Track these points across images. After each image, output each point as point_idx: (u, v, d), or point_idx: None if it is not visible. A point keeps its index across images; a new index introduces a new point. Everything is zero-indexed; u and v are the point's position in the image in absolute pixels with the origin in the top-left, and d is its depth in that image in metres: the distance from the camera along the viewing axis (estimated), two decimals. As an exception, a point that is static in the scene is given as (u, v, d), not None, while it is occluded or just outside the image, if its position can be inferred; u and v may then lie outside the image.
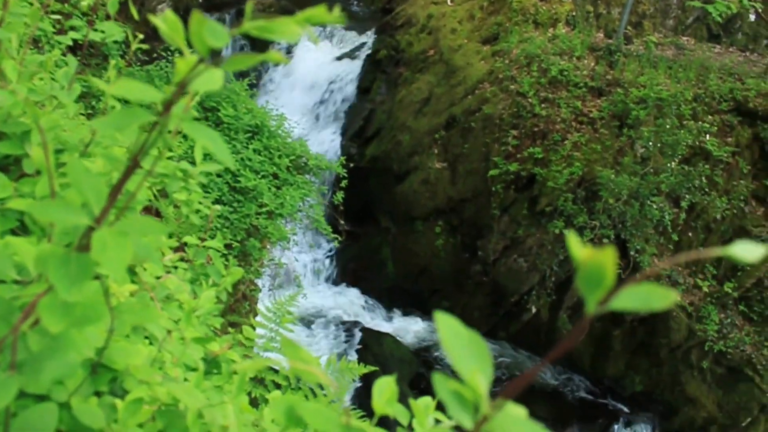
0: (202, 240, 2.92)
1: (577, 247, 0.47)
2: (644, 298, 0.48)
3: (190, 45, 0.84)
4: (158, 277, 2.51)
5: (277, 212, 7.38)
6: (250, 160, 7.57)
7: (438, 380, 0.60)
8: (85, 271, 0.87)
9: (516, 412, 0.58)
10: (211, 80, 0.80)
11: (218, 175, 7.32)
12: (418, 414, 1.04)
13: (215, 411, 1.54)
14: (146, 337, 1.92)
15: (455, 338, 0.59)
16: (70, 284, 0.86)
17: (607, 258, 0.46)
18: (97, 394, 1.42)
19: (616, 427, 10.00)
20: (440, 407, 1.70)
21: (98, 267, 0.91)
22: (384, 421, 1.52)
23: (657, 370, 10.31)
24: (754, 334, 10.11)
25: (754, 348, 10.06)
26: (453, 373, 0.62)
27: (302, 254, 10.62)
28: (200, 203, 2.90)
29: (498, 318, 10.56)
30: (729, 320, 10.10)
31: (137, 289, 1.72)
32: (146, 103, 0.86)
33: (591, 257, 0.46)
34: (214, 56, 0.76)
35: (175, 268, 2.72)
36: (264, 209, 7.30)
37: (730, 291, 10.19)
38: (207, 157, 2.37)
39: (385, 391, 0.97)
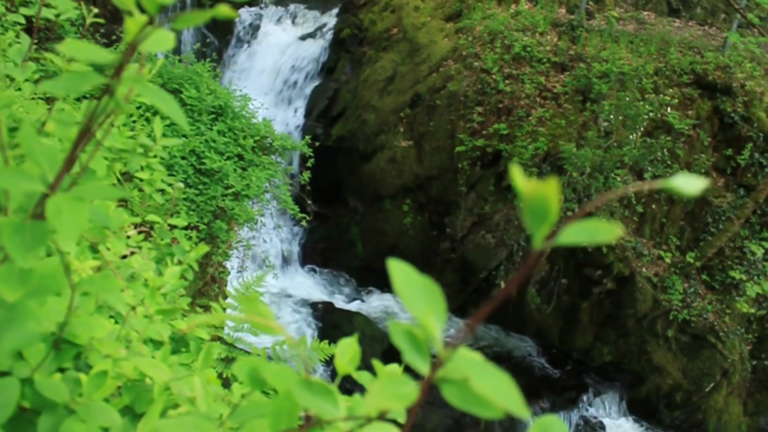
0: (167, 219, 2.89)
1: (520, 179, 0.48)
2: (590, 232, 0.49)
3: (142, 9, 0.83)
4: (123, 257, 2.49)
5: (243, 193, 7.33)
6: (214, 141, 7.50)
7: (393, 326, 0.61)
8: (40, 238, 0.86)
9: (470, 355, 0.59)
10: (162, 40, 0.80)
11: (183, 158, 7.24)
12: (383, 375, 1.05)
13: (182, 384, 1.53)
14: (111, 317, 1.91)
15: (408, 284, 0.60)
16: (25, 251, 0.85)
17: (550, 190, 0.47)
18: (62, 371, 1.41)
19: (585, 397, 10.17)
20: (408, 371, 1.72)
21: (54, 234, 0.90)
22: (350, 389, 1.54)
23: (624, 340, 10.51)
24: (716, 302, 10.35)
25: (716, 316, 10.30)
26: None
27: (271, 236, 10.57)
28: (164, 182, 2.88)
29: (467, 294, 10.65)
30: (692, 289, 10.32)
31: (100, 265, 1.71)
32: (99, 66, 0.85)
33: (534, 190, 0.47)
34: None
35: (140, 248, 2.69)
36: (230, 191, 7.25)
37: (692, 261, 10.40)
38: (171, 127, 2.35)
39: (347, 351, 0.98)
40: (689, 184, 0.48)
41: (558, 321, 10.61)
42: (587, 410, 10.10)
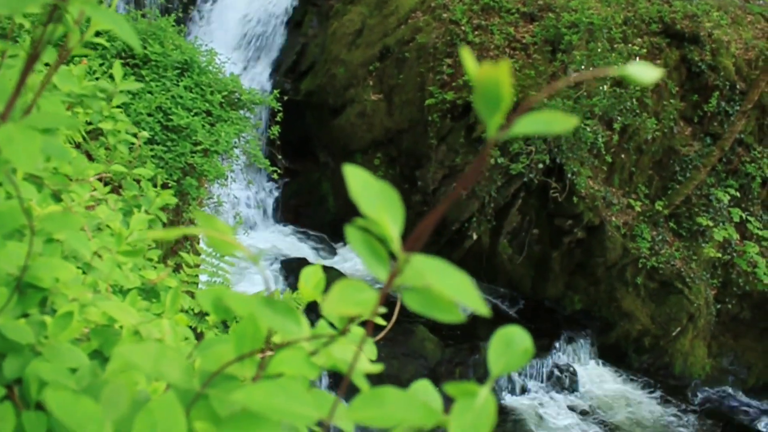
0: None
1: (471, 63, 0.47)
2: (546, 122, 0.48)
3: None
4: (88, 207, 2.45)
5: (212, 149, 7.24)
6: (181, 97, 7.38)
7: (350, 232, 0.61)
8: (-8, 166, 0.84)
9: (428, 258, 0.59)
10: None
11: (149, 114, 7.12)
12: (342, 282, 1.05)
13: (150, 327, 1.53)
14: (79, 268, 1.89)
15: (365, 189, 0.60)
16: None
17: (503, 74, 0.46)
18: (27, 316, 1.39)
19: (557, 344, 10.37)
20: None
21: (7, 164, 0.88)
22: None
23: (594, 288, 10.69)
24: (683, 249, 10.55)
25: (683, 262, 10.51)
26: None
27: (242, 192, 10.50)
28: (128, 133, 2.83)
29: (440, 247, 10.72)
30: (660, 237, 10.49)
31: (62, 209, 1.68)
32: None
33: (485, 73, 0.46)
34: None
35: (106, 200, 2.65)
36: (199, 147, 7.16)
37: (660, 209, 10.55)
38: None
39: (311, 277, 0.97)
40: (643, 72, 0.48)
41: (530, 271, 10.75)
42: (559, 357, 10.31)
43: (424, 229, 0.56)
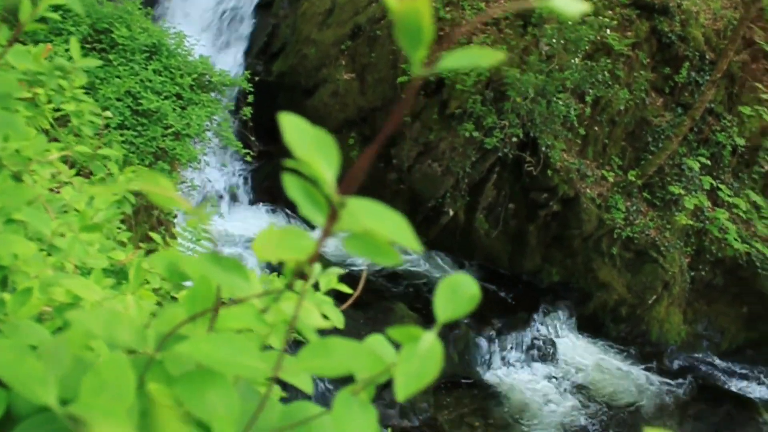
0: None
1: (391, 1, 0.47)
2: (473, 57, 0.48)
3: None
4: (51, 190, 2.42)
5: (183, 133, 7.17)
6: (150, 81, 7.29)
7: (287, 178, 0.61)
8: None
9: (363, 200, 0.59)
10: None
11: (118, 99, 7.03)
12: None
13: (115, 302, 1.52)
14: (43, 250, 1.86)
15: (299, 134, 0.59)
16: None
17: (422, 6, 0.46)
18: (-12, 296, 1.37)
19: (535, 317, 10.47)
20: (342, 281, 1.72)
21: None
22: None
23: (571, 260, 10.79)
24: (657, 219, 10.67)
25: (657, 231, 10.63)
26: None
27: (216, 175, 10.43)
28: (93, 113, 2.79)
29: (417, 224, 10.74)
30: (634, 207, 10.60)
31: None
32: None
33: (405, 7, 0.45)
34: None
35: (72, 183, 2.62)
36: (170, 131, 7.09)
37: (634, 179, 10.65)
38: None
39: (267, 236, 0.97)
40: (569, 4, 0.48)
41: (507, 245, 10.82)
42: (538, 329, 10.41)
43: (358, 171, 0.56)
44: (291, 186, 0.60)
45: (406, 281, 10.46)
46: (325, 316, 1.28)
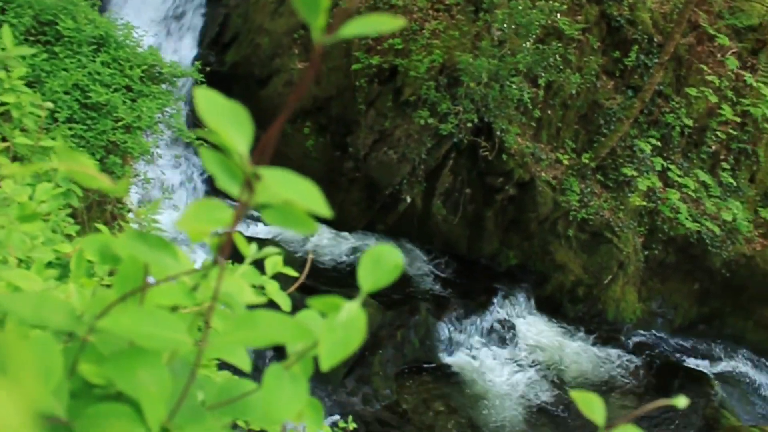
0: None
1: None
2: (373, 23, 0.49)
3: None
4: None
5: (135, 125, 7.06)
6: (98, 73, 7.15)
7: (203, 151, 0.61)
8: None
9: (277, 170, 0.60)
10: None
11: (66, 92, 6.89)
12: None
13: (56, 292, 1.50)
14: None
15: (214, 108, 0.60)
16: None
17: (316, -27, 0.47)
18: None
19: (495, 300, 10.60)
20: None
21: None
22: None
23: (528, 243, 10.94)
24: (610, 200, 10.87)
25: (611, 212, 10.83)
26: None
27: (170, 168, 10.29)
28: (33, 105, 2.73)
29: (375, 212, 10.77)
30: (588, 189, 10.78)
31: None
32: None
33: (300, -26, 0.46)
34: None
35: (13, 177, 2.57)
36: (120, 123, 6.97)
37: (587, 162, 10.83)
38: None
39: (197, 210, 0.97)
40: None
41: (465, 230, 10.91)
42: (498, 312, 10.55)
43: (269, 141, 0.57)
44: (207, 159, 0.60)
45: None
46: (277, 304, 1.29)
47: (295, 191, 0.56)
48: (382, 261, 0.72)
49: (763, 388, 10.78)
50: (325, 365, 0.66)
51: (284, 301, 1.46)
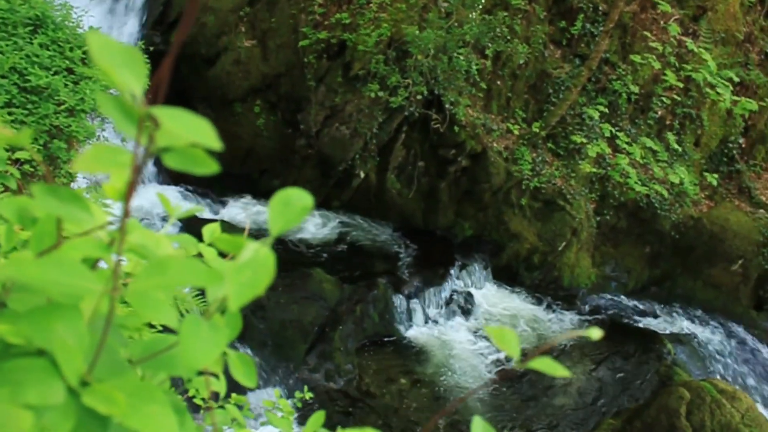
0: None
1: None
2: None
3: None
4: None
5: (78, 108, 6.92)
6: (37, 56, 6.96)
7: (100, 96, 0.61)
8: None
9: (167, 108, 0.60)
10: None
11: (3, 77, 6.70)
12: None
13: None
14: None
15: (106, 50, 0.60)
16: None
17: None
18: None
19: (452, 272, 10.70)
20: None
21: None
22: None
23: (483, 213, 11.06)
24: (562, 168, 11.03)
25: (563, 180, 11.00)
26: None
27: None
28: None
29: (329, 188, 10.76)
30: (540, 158, 10.92)
31: None
32: None
33: None
34: None
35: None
36: (63, 107, 6.82)
37: (538, 131, 10.95)
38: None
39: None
40: None
41: (420, 203, 10.98)
42: (455, 283, 10.66)
43: (161, 80, 0.57)
44: (103, 102, 0.60)
45: (323, 247, 10.49)
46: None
47: (187, 127, 0.57)
48: (291, 203, 0.73)
49: (712, 344, 11.14)
50: (234, 305, 0.67)
51: (217, 264, 1.46)
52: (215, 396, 1.54)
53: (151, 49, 8.23)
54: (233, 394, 1.59)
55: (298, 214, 0.73)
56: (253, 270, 0.68)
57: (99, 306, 0.75)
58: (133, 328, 1.15)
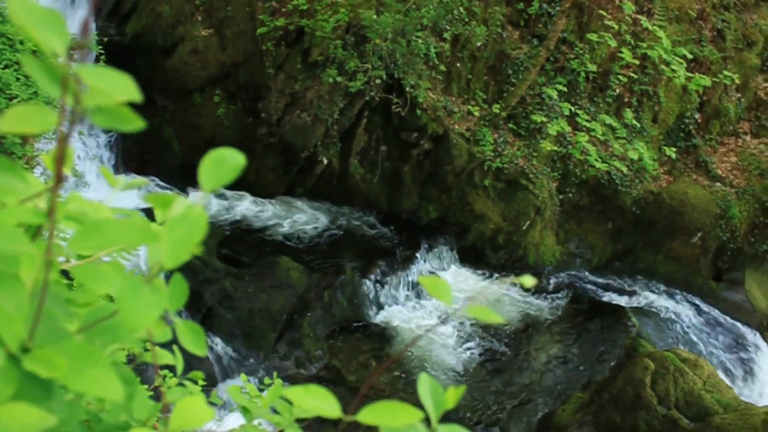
0: None
1: None
2: None
3: None
4: None
5: (32, 102, 6.79)
6: (-14, 50, 6.82)
7: (24, 59, 0.62)
8: None
9: (89, 65, 0.61)
10: None
11: (-50, 73, 6.56)
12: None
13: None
14: None
15: (27, 12, 0.61)
16: None
17: None
18: None
19: (419, 254, 10.77)
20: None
21: None
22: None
23: (447, 195, 11.12)
24: (523, 148, 11.14)
25: (525, 160, 11.11)
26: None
27: (75, 145, 9.93)
28: None
29: (293, 176, 10.72)
30: (501, 139, 11.00)
31: None
32: None
33: None
34: None
35: None
36: (15, 101, 6.69)
37: (499, 112, 11.03)
38: None
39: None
40: None
41: (384, 188, 11.00)
42: (422, 265, 10.74)
43: (86, 30, 0.58)
44: (27, 63, 0.61)
45: (289, 235, 10.47)
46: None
47: (109, 83, 0.58)
48: (223, 162, 0.75)
49: (675, 315, 11.40)
50: (169, 263, 0.68)
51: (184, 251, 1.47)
52: (173, 372, 1.55)
53: (105, 40, 8.10)
54: (193, 372, 1.60)
55: (229, 172, 0.74)
56: (186, 227, 0.69)
57: (40, 275, 0.76)
58: (83, 303, 1.15)
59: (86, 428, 1.25)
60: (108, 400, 1.19)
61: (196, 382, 1.46)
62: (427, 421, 0.93)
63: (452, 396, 0.95)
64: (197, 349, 1.02)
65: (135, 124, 0.62)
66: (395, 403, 0.89)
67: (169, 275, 0.87)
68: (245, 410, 1.52)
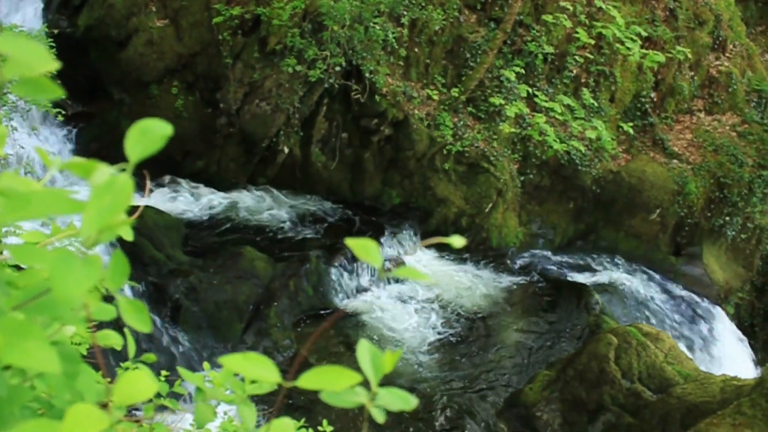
0: None
1: None
2: None
3: None
4: None
5: (-18, 99, 6.65)
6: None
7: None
8: None
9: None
10: None
11: None
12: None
13: None
14: None
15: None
16: None
17: None
18: None
19: (383, 240, 10.80)
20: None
21: None
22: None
23: (409, 181, 11.17)
24: (483, 131, 11.23)
25: (485, 143, 11.20)
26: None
27: (28, 141, 9.73)
28: None
29: (254, 166, 10.67)
30: (461, 122, 11.08)
31: None
32: None
33: None
34: None
35: None
36: (-35, 98, 6.54)
37: (458, 95, 11.10)
38: None
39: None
40: None
41: (346, 175, 11.01)
42: (387, 251, 10.77)
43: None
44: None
45: (252, 225, 10.43)
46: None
47: (24, 52, 0.59)
48: (149, 131, 0.76)
49: (636, 291, 11.62)
50: (95, 231, 0.70)
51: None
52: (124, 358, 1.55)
53: (56, 32, 7.96)
54: (144, 355, 1.60)
55: (155, 141, 0.76)
56: (113, 196, 0.71)
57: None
58: (24, 285, 1.15)
59: (35, 415, 1.25)
60: (52, 380, 1.20)
61: (147, 365, 1.47)
62: (366, 384, 0.95)
63: (390, 360, 0.98)
64: (141, 326, 1.03)
65: (54, 92, 0.63)
66: (334, 367, 0.91)
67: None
68: (199, 390, 1.53)
